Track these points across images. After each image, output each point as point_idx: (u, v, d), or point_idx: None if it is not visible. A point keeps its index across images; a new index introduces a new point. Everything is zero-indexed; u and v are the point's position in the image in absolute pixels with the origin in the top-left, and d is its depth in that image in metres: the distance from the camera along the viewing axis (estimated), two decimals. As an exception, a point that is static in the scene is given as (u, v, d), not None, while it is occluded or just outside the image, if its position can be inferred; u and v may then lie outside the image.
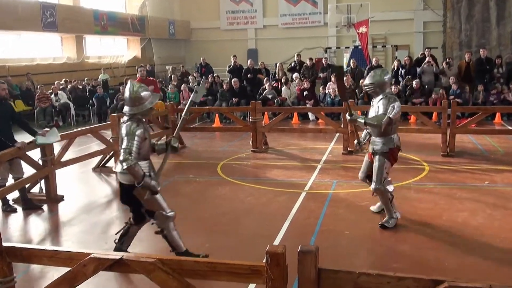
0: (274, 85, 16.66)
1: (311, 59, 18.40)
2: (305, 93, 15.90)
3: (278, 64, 18.66)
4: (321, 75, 18.05)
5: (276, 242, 5.68)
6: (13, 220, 7.03)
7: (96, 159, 9.61)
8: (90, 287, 4.58)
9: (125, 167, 4.60)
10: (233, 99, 15.93)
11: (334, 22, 23.87)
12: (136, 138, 4.65)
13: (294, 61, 18.15)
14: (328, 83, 16.55)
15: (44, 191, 7.67)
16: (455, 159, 9.63)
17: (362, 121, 5.88)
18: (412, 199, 7.21)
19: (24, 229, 6.63)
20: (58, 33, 19.55)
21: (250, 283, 3.06)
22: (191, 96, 5.52)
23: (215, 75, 18.10)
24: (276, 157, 10.49)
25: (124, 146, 4.64)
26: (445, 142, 9.96)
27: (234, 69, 17.75)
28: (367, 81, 6.00)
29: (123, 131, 4.73)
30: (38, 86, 16.84)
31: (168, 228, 5.02)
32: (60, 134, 7.84)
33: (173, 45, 27.23)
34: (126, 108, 4.81)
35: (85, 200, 7.88)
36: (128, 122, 4.75)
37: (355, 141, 6.33)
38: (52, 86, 17.00)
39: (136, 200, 4.96)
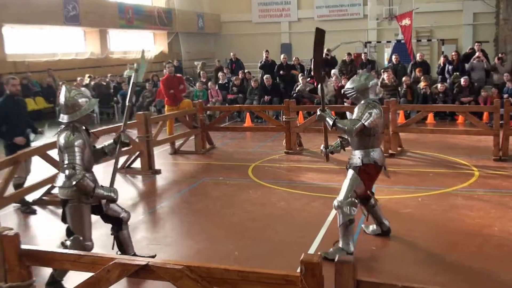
0: (310, 82, 16.60)
1: (349, 54, 18.28)
2: (343, 90, 15.75)
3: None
4: (360, 71, 17.90)
5: (311, 250, 5.66)
6: (32, 222, 7.19)
7: (122, 160, 9.74)
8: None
9: (73, 183, 4.56)
10: (265, 97, 15.95)
11: (375, 14, 23.66)
12: (76, 149, 4.61)
13: (326, 54, 18.03)
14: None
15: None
16: (508, 164, 9.40)
17: (331, 121, 5.48)
18: (460, 206, 7.07)
19: (44, 231, 6.77)
20: (81, 27, 19.95)
21: (283, 294, 3.05)
22: (131, 78, 5.44)
23: (246, 71, 18.17)
24: (312, 160, 10.44)
25: (66, 161, 4.60)
26: (497, 145, 9.73)
27: (266, 65, 17.77)
28: (348, 84, 5.70)
29: (61, 143, 4.67)
30: (60, 83, 17.20)
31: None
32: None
33: (202, 40, 27.45)
34: (61, 116, 4.78)
35: (109, 202, 7.99)
36: (65, 132, 4.70)
37: (321, 146, 6.06)
38: (75, 83, 17.33)
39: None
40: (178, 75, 12.76)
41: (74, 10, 18.86)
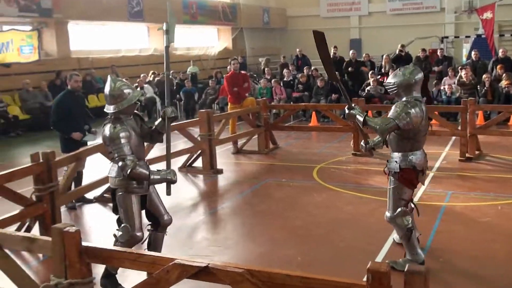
0: (380, 79, 16.32)
1: (424, 50, 17.83)
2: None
3: (384, 56, 18.26)
4: (435, 68, 17.43)
5: (379, 259, 5.57)
6: (91, 219, 7.46)
7: (183, 158, 9.95)
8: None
9: (127, 174, 4.68)
10: (332, 95, 15.82)
11: (453, 7, 22.98)
12: (122, 140, 4.71)
13: (400, 50, 17.65)
14: (444, 78, 15.96)
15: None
16: None
17: (361, 118, 5.25)
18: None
19: (105, 229, 6.99)
20: (144, 23, 20.52)
21: (348, 303, 3.01)
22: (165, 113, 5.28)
23: (312, 68, 18.09)
24: (381, 162, 10.18)
25: (116, 154, 4.73)
26: None
27: (334, 62, 17.54)
28: (389, 78, 5.37)
29: (106, 135, 4.79)
30: (123, 79, 17.72)
31: (122, 245, 4.76)
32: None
33: (267, 35, 27.58)
34: (107, 107, 4.87)
35: (170, 201, 8.11)
36: (109, 125, 4.81)
37: (362, 142, 5.82)
38: (138, 79, 17.83)
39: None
40: (243, 72, 12.86)
41: (138, 6, 19.43)
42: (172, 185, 5.11)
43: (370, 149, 5.73)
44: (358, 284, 2.88)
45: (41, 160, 6.27)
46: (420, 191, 7.98)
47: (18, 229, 6.17)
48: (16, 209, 6.25)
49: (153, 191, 5.21)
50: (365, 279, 2.84)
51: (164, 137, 5.24)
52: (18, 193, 6.21)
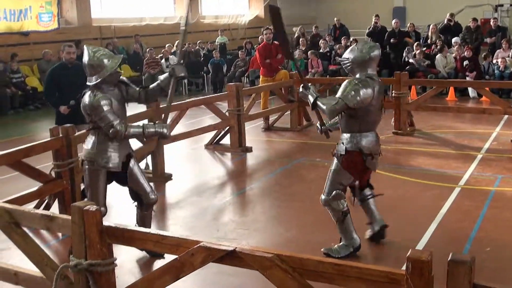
0: (426, 52, 16.06)
1: (475, 19, 17.41)
2: (465, 62, 15.12)
3: (431, 26, 17.92)
4: (487, 40, 17.04)
5: (420, 247, 5.53)
6: (114, 198, 7.57)
7: (210, 135, 9.99)
8: (198, 279, 4.83)
9: (122, 137, 4.93)
10: (373, 68, 15.63)
11: (509, -28, 22.32)
12: (104, 108, 4.82)
13: (449, 20, 17.30)
14: (497, 51, 15.62)
15: (150, 168, 8.14)
16: None
17: (312, 99, 5.23)
18: None
19: (127, 209, 7.10)
20: (171, -11, 20.50)
21: (385, 293, 3.01)
22: (174, 70, 5.21)
23: (351, 39, 17.87)
24: (424, 142, 10.15)
25: (103, 124, 4.88)
26: None
27: (375, 32, 17.41)
28: (345, 54, 5.36)
29: (86, 103, 4.90)
30: (147, 50, 17.82)
31: None
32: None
33: (302, 3, 27.27)
34: (88, 79, 4.95)
35: (196, 180, 8.25)
36: (88, 92, 4.95)
37: (317, 124, 5.80)
38: (163, 50, 17.89)
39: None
40: (276, 42, 12.78)
41: (164, -29, 19.43)
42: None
43: (325, 130, 5.72)
44: (396, 273, 2.87)
45: (60, 135, 6.38)
46: (467, 174, 7.89)
47: (37, 207, 6.31)
48: (34, 186, 6.39)
49: (134, 167, 5.29)
50: (404, 267, 2.84)
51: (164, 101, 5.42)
52: (36, 169, 6.35)
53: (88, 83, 4.96)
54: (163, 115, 5.45)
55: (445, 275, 2.78)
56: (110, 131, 4.87)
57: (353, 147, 5.18)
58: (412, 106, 10.89)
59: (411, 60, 15.48)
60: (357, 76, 5.17)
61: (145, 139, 5.10)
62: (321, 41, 17.96)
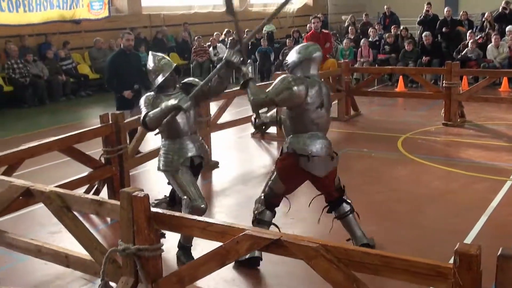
0: (479, 41, 15.66)
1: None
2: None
3: (486, 14, 17.45)
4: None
5: (468, 240, 5.44)
6: (159, 184, 7.68)
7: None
8: (243, 267, 4.88)
9: (147, 126, 4.86)
10: (424, 57, 15.34)
11: None
12: (145, 104, 4.93)
13: (504, 8, 16.82)
14: (554, 40, 15.10)
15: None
16: None
17: (243, 80, 4.95)
18: None
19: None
20: (220, -23, 20.54)
21: (431, 286, 2.97)
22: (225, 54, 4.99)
23: (402, 27, 17.57)
24: (475, 134, 9.94)
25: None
26: None
27: (426, 20, 17.09)
28: (289, 56, 5.15)
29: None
30: (195, 38, 17.95)
31: None
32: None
33: (352, -10, 26.95)
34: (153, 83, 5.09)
35: (242, 169, 8.31)
36: (146, 94, 5.10)
37: (252, 117, 5.29)
38: (211, 38, 17.97)
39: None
40: (325, 31, 12.70)
41: (213, -42, 19.49)
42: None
43: (259, 125, 5.22)
44: (444, 266, 2.84)
45: (110, 122, 6.51)
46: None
47: (87, 192, 6.48)
48: (84, 171, 6.55)
49: (187, 172, 5.12)
50: (451, 261, 2.80)
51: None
52: (87, 155, 6.50)
53: (152, 87, 5.11)
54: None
55: (494, 270, 2.73)
56: (142, 124, 4.96)
57: (288, 148, 4.90)
58: (463, 96, 10.67)
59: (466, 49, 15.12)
60: (298, 74, 4.94)
61: (166, 117, 4.90)
62: (370, 30, 17.72)
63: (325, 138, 5.04)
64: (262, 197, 5.11)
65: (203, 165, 5.29)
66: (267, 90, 4.91)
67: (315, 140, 4.89)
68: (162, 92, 5.03)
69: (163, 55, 5.34)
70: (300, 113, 4.85)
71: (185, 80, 5.28)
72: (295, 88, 4.73)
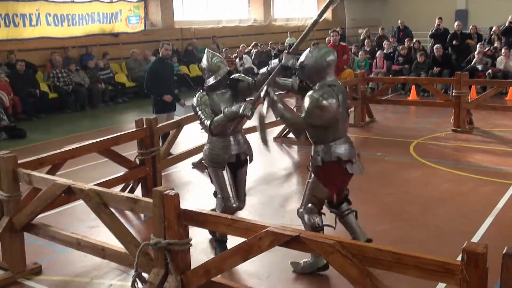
0: (488, 53, 15.44)
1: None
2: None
3: (494, 28, 17.22)
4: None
5: (475, 240, 5.36)
6: (189, 184, 7.72)
7: (278, 128, 10.01)
8: (265, 261, 4.88)
9: (212, 132, 4.81)
10: (435, 68, 15.19)
11: None
12: (198, 108, 4.88)
13: (510, 22, 16.59)
14: (559, 53, 14.84)
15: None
16: None
17: (279, 110, 4.57)
18: None
19: (201, 194, 7.23)
20: (245, -6, 20.64)
21: (440, 282, 2.94)
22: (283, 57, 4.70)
23: (414, 40, 17.42)
24: (483, 140, 9.81)
25: (200, 122, 4.95)
26: None
27: (437, 34, 16.93)
28: (300, 61, 4.61)
29: (193, 104, 4.99)
30: (223, 50, 18.02)
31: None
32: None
33: (368, 6, 26.81)
34: (206, 81, 4.98)
35: (265, 170, 8.30)
36: (197, 94, 5.01)
37: (259, 132, 4.81)
38: (237, 50, 18.02)
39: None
40: (343, 43, 12.64)
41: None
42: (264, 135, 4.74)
43: (263, 138, 4.84)
44: (452, 263, 2.80)
45: (144, 126, 6.56)
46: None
47: (122, 190, 6.53)
48: (121, 171, 6.61)
49: (242, 170, 5.18)
50: (459, 258, 2.76)
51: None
52: (123, 156, 6.56)
53: (205, 85, 5.01)
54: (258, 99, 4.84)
55: (499, 268, 2.70)
56: (203, 129, 4.97)
57: (331, 157, 4.57)
58: (472, 105, 10.54)
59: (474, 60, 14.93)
60: (317, 86, 4.50)
61: (230, 124, 4.75)
62: (385, 42, 17.61)
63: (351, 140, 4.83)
64: (311, 207, 4.73)
65: (248, 160, 5.26)
66: (302, 115, 4.52)
67: (350, 144, 4.71)
68: (213, 90, 4.98)
69: (218, 54, 5.20)
70: (334, 122, 4.54)
71: (232, 76, 5.14)
72: (324, 102, 4.36)
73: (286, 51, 4.79)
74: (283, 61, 4.63)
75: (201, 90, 5.03)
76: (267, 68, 4.83)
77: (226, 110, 4.73)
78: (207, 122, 4.80)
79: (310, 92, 4.47)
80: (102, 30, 15.97)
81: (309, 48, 4.68)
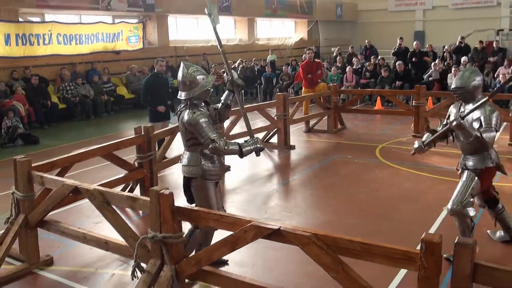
0: (441, 70, 15.61)
1: (481, 42, 16.90)
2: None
3: (446, 46, 17.44)
4: (490, 59, 16.51)
5: (432, 231, 5.41)
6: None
7: (260, 135, 10.00)
8: (249, 251, 4.87)
9: (221, 153, 4.21)
10: (397, 82, 15.32)
11: (508, 2, 21.58)
12: (203, 124, 4.14)
13: (460, 42, 16.87)
14: (499, 68, 15.10)
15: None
16: None
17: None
18: None
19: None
20: (232, 16, 20.60)
21: (402, 268, 2.96)
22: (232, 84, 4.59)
23: (379, 57, 17.57)
24: (439, 144, 9.79)
25: (202, 140, 4.15)
26: None
27: (399, 52, 17.06)
28: (456, 83, 4.76)
29: (185, 121, 4.21)
30: (212, 66, 18.02)
31: (205, 235, 4.43)
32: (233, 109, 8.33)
33: (339, 27, 26.99)
34: (179, 93, 4.31)
35: (249, 172, 8.29)
36: (187, 111, 4.24)
37: (417, 144, 5.33)
38: (225, 66, 17.96)
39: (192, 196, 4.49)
40: (317, 60, 12.69)
41: (227, 1, 19.58)
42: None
43: (424, 148, 5.38)
44: (412, 252, 2.82)
45: (142, 133, 6.52)
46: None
47: (123, 190, 6.48)
48: (121, 173, 6.56)
49: (221, 182, 4.85)
50: (419, 247, 2.78)
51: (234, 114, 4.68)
52: (123, 160, 6.51)
53: (178, 97, 4.36)
54: (245, 122, 4.72)
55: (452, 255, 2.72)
56: (210, 146, 4.11)
57: (492, 163, 4.78)
58: (429, 113, 10.64)
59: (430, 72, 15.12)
60: (481, 99, 4.60)
61: (242, 157, 4.34)
62: (354, 59, 17.72)
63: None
64: (464, 203, 4.72)
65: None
66: (489, 126, 4.54)
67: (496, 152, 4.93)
68: (196, 104, 4.31)
69: (198, 67, 4.51)
70: None
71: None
72: (497, 112, 4.62)
73: (228, 80, 4.72)
74: (239, 82, 4.63)
75: (189, 108, 4.27)
76: (222, 103, 4.65)
77: (242, 146, 4.27)
78: (219, 143, 4.12)
79: (476, 108, 4.57)
80: (106, 48, 15.86)
81: (461, 72, 4.86)
